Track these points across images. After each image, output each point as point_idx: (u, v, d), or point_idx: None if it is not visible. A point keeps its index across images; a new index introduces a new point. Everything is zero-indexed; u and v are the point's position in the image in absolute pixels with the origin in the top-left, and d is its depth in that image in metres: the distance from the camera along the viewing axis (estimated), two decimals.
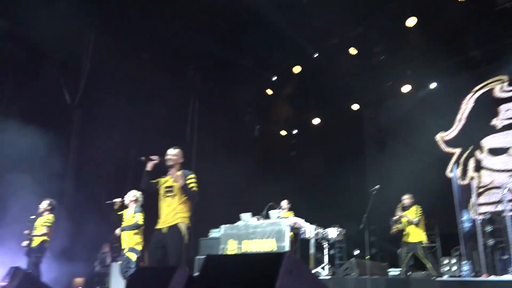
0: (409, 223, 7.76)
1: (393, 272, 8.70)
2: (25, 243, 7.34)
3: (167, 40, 10.66)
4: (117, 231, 6.78)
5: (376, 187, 7.28)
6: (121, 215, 6.98)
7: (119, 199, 7.08)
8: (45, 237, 7.34)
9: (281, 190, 11.01)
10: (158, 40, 10.64)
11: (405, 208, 7.96)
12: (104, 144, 10.19)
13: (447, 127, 10.94)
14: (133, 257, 6.49)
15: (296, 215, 8.78)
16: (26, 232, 7.34)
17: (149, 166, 5.05)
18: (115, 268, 9.15)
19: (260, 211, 8.58)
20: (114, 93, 10.39)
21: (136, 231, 6.70)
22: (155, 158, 5.07)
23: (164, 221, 4.83)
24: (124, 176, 11.16)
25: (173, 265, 4.25)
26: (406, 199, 8.00)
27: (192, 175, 5.00)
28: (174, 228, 4.74)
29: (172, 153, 5.04)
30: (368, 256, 7.18)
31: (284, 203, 9.20)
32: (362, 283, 6.87)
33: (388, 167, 11.78)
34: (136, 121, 11.07)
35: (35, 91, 9.44)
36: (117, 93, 10.54)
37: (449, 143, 10.82)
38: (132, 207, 6.90)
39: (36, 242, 7.28)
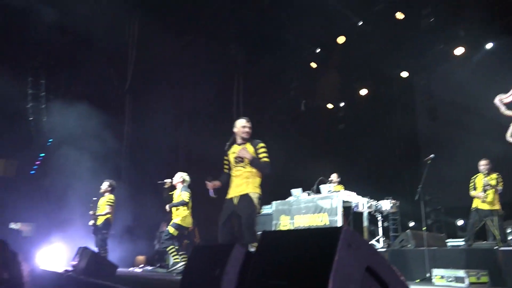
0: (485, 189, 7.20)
1: (452, 242, 8.45)
2: (90, 222, 7.87)
3: (209, 20, 10.69)
4: (167, 207, 7.19)
5: (430, 156, 6.99)
6: (172, 195, 7.36)
7: (169, 180, 7.40)
8: (108, 216, 7.83)
9: (330, 164, 10.88)
10: (200, 21, 10.68)
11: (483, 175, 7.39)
12: (155, 126, 10.53)
13: (505, 89, 10.26)
14: (172, 230, 6.99)
15: (347, 188, 8.69)
16: (91, 212, 7.84)
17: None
18: None
19: (311, 186, 8.57)
20: (161, 77, 10.66)
21: (180, 207, 7.11)
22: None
23: (235, 191, 4.66)
24: (175, 156, 11.52)
25: (245, 237, 4.23)
26: (485, 165, 7.43)
27: (262, 145, 4.74)
28: (245, 197, 4.53)
29: (243, 124, 4.82)
30: (425, 227, 6.98)
31: (334, 177, 9.12)
32: (420, 254, 6.72)
33: (442, 135, 11.28)
34: (183, 102, 11.30)
35: (88, 78, 9.84)
36: (164, 76, 10.79)
37: (509, 105, 10.14)
38: (179, 187, 7.30)
39: (100, 220, 7.80)
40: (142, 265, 9.11)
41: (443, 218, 10.55)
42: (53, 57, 10.12)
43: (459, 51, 10.62)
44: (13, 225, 8.99)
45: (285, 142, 11.19)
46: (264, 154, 4.70)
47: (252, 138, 4.82)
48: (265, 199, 9.58)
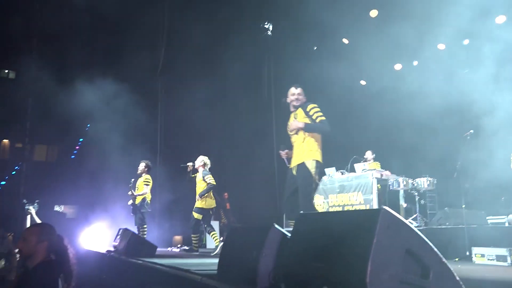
0: None
1: (493, 220, 8.18)
2: (129, 202, 8.13)
3: None
4: (198, 197, 7.32)
5: (469, 131, 6.73)
6: (194, 177, 7.55)
7: (190, 163, 7.57)
8: (146, 195, 8.04)
9: (364, 141, 10.68)
10: (231, 0, 10.58)
11: None
12: (188, 107, 10.65)
13: None
14: (196, 215, 7.26)
15: (383, 166, 8.53)
16: (129, 193, 8.10)
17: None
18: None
19: (344, 165, 8.46)
20: (192, 58, 10.69)
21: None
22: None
23: (294, 161, 4.46)
24: (209, 136, 11.65)
25: (301, 206, 4.06)
26: None
27: (312, 105, 4.50)
28: (301, 167, 4.32)
29: (292, 92, 4.70)
30: (464, 205, 6.78)
31: (369, 154, 8.97)
32: (459, 232, 6.56)
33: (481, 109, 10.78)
34: (215, 82, 11.32)
35: (123, 62, 10.02)
36: (196, 57, 10.82)
37: None
38: (201, 171, 7.45)
39: (138, 200, 8.05)
40: (179, 245, 9.35)
41: (483, 194, 10.21)
42: (88, 43, 10.37)
43: None
44: (57, 208, 9.39)
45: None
46: (318, 114, 4.43)
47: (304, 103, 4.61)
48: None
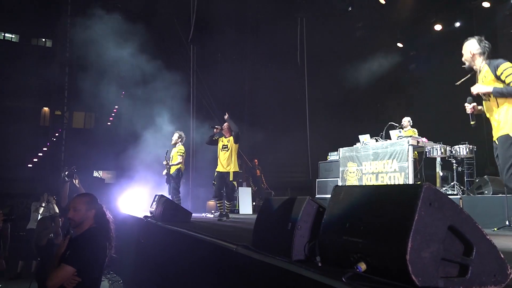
0: None
1: None
2: (164, 172, 8.31)
3: None
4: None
5: None
6: (216, 140, 7.67)
7: (219, 126, 7.70)
8: (180, 165, 8.21)
9: (401, 107, 10.38)
10: None
11: None
12: (220, 76, 10.61)
13: None
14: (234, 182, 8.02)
15: (420, 133, 8.28)
16: (164, 162, 8.26)
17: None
18: (243, 192, 9.91)
19: (379, 131, 8.27)
20: (223, 26, 10.55)
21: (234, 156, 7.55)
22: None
23: (494, 133, 3.82)
24: (241, 103, 11.63)
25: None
26: None
27: (506, 66, 3.56)
28: (503, 139, 3.65)
29: (471, 45, 3.85)
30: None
31: (405, 121, 8.72)
32: (498, 201, 6.35)
33: None
34: (247, 50, 11.18)
35: (155, 30, 10.02)
36: (226, 25, 10.67)
37: None
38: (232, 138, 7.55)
39: (173, 170, 8.19)
40: (213, 211, 9.56)
41: None
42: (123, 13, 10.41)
43: None
44: (95, 174, 9.73)
45: (351, 85, 10.77)
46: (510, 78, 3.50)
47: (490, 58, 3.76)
48: (332, 145, 9.54)
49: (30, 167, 19.39)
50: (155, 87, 10.02)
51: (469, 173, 9.44)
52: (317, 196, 9.24)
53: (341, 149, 8.62)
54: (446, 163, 7.97)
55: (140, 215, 6.63)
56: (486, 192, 7.25)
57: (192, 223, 5.55)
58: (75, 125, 22.05)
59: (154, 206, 6.19)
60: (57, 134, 16.60)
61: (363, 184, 7.72)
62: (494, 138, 3.80)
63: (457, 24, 11.77)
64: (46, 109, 25.44)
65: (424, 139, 7.76)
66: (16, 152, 19.23)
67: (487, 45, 3.78)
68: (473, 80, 3.92)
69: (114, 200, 8.92)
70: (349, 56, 12.36)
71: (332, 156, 9.51)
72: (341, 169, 8.50)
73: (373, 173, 7.84)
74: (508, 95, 3.57)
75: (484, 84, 3.73)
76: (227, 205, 7.70)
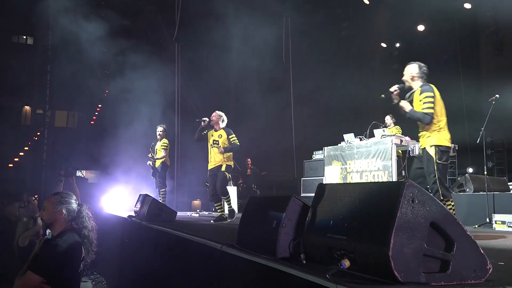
0: None
1: None
2: (148, 162, 8.26)
3: None
4: (220, 149, 6.61)
5: (495, 96, 6.49)
6: (204, 135, 6.80)
7: (206, 118, 6.81)
8: (164, 159, 8.16)
9: (383, 106, 10.49)
10: None
11: None
12: (206, 72, 10.58)
13: None
14: (228, 176, 6.85)
15: (404, 130, 8.38)
16: (149, 155, 8.23)
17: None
18: (229, 191, 9.87)
19: (363, 130, 8.35)
20: (207, 23, 10.51)
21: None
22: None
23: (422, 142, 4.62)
24: (227, 100, 11.60)
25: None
26: None
27: (427, 94, 4.32)
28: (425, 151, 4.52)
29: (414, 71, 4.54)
30: (486, 172, 6.66)
31: (388, 119, 8.81)
32: (479, 199, 6.49)
33: (507, 72, 10.40)
34: (233, 46, 11.16)
35: (141, 28, 9.95)
36: (210, 22, 10.64)
37: None
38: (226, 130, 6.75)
39: (158, 163, 8.17)
40: (198, 210, 9.53)
41: (506, 161, 10.03)
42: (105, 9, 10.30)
43: None
44: (78, 173, 9.60)
45: (337, 84, 10.84)
46: (426, 105, 4.32)
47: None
48: (316, 144, 9.58)
49: (10, 167, 19.03)
50: (139, 86, 9.93)
51: (451, 171, 9.63)
52: (302, 194, 9.29)
53: (326, 148, 8.67)
54: None
55: (124, 214, 6.56)
56: (467, 190, 7.38)
57: (177, 223, 5.52)
58: (58, 124, 21.73)
59: (138, 205, 6.13)
60: (38, 133, 16.30)
61: (348, 182, 7.78)
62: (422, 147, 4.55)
63: (440, 24, 11.96)
64: (27, 107, 25.02)
65: (407, 138, 7.85)
66: None
67: (425, 71, 4.48)
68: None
69: (98, 199, 8.81)
70: (334, 55, 12.46)
71: (317, 155, 9.56)
72: (325, 167, 8.56)
73: (357, 171, 7.91)
74: (414, 118, 4.39)
75: (415, 103, 4.44)
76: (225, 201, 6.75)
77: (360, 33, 13.17)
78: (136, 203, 6.46)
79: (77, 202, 3.16)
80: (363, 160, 7.85)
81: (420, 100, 4.31)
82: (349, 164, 8.10)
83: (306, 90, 11.43)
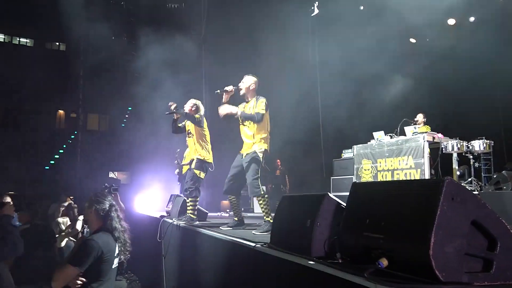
0: None
1: None
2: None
3: None
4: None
5: None
6: (181, 127, 6.19)
7: (174, 104, 6.07)
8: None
9: (414, 104, 10.26)
10: None
11: None
12: (231, 74, 10.64)
13: None
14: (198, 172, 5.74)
15: (434, 129, 8.19)
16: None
17: (225, 98, 4.83)
18: None
19: (393, 128, 8.21)
20: (232, 25, 10.57)
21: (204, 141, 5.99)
22: (230, 89, 4.86)
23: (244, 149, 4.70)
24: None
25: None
26: None
27: (263, 100, 4.63)
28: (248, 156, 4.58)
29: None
30: None
31: (420, 117, 8.63)
32: None
33: None
34: (254, 47, 11.18)
35: (168, 33, 10.12)
36: (235, 24, 10.70)
37: None
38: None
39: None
40: (228, 210, 9.59)
41: None
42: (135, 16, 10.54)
43: None
44: (111, 174, 9.85)
45: (362, 80, 10.68)
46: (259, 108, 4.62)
47: None
48: (346, 143, 9.48)
49: (47, 169, 19.71)
50: (168, 88, 10.10)
51: (487, 168, 9.30)
52: (332, 194, 9.20)
53: (355, 146, 8.58)
54: (462, 159, 7.87)
55: (156, 214, 6.69)
56: (504, 187, 7.14)
57: (209, 223, 5.58)
58: (90, 127, 22.36)
59: (170, 205, 6.22)
60: (72, 136, 16.83)
61: (383, 180, 7.66)
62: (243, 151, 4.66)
63: (471, 19, 11.60)
64: (61, 111, 25.85)
65: (440, 135, 7.67)
66: (35, 154, 19.57)
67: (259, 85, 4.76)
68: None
69: (130, 200, 9.01)
70: (359, 52, 12.26)
71: (346, 154, 9.46)
72: (355, 166, 8.46)
73: (388, 170, 7.78)
74: (246, 118, 4.57)
75: (247, 112, 4.60)
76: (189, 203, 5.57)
77: (389, 28, 12.92)
78: (168, 203, 6.56)
79: (110, 203, 3.25)
80: (394, 158, 7.72)
81: (256, 105, 4.56)
82: (380, 162, 7.98)
83: (334, 89, 11.31)
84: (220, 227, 4.42)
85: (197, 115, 5.72)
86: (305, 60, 11.86)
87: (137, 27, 10.31)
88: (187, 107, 5.84)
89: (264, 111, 4.55)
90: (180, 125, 6.05)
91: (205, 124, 5.94)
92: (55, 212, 8.05)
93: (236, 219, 4.68)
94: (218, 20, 10.60)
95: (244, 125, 4.76)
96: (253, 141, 4.60)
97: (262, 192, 4.38)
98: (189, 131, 5.93)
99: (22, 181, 15.89)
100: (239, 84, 4.80)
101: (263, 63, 11.06)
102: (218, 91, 4.91)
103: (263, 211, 4.44)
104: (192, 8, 10.72)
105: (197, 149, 5.76)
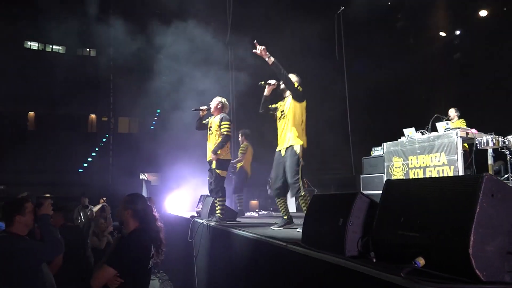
0: None
1: None
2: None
3: None
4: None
5: None
6: (205, 124, 6.15)
7: (205, 106, 6.10)
8: (242, 164, 8.29)
9: (446, 97, 9.99)
10: None
11: None
12: (258, 74, 10.64)
13: None
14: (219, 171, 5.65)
15: (469, 124, 7.94)
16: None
17: (268, 91, 4.89)
18: None
19: (425, 124, 8.00)
20: (257, 28, 10.59)
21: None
22: (273, 83, 4.90)
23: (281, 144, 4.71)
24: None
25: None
26: None
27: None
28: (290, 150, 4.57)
29: None
30: None
31: (452, 112, 8.40)
32: None
33: None
34: (285, 45, 11.14)
35: (193, 34, 10.22)
36: (260, 27, 10.71)
37: None
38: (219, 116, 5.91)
39: (238, 166, 8.29)
40: (257, 210, 9.60)
41: None
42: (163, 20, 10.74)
43: None
44: (142, 176, 10.04)
45: (395, 76, 10.48)
46: None
47: None
48: (375, 140, 9.32)
49: (81, 172, 20.30)
50: (196, 90, 10.20)
51: None
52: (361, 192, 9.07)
53: (385, 143, 8.42)
54: (498, 155, 7.60)
55: (187, 215, 6.77)
56: None
57: (239, 222, 5.60)
58: (121, 130, 22.89)
59: (200, 206, 6.28)
60: (104, 140, 17.27)
61: (417, 178, 7.48)
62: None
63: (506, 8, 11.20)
64: (93, 115, 26.58)
65: (474, 130, 7.43)
66: (68, 157, 20.20)
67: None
68: None
69: (161, 201, 9.15)
70: (389, 48, 12.06)
71: (376, 151, 9.29)
72: (386, 164, 8.30)
73: (420, 167, 7.60)
74: (287, 81, 4.62)
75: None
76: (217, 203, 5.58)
77: (416, 23, 12.64)
78: (198, 203, 6.63)
79: (146, 204, 3.30)
80: (426, 155, 7.53)
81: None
82: (411, 159, 7.81)
83: (361, 85, 11.16)
84: (271, 227, 4.34)
85: None
86: (333, 55, 11.75)
87: (164, 30, 10.46)
88: (213, 105, 5.89)
89: (302, 94, 4.63)
90: (204, 122, 6.05)
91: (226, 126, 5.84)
92: (89, 213, 8.29)
93: (285, 217, 4.53)
94: (244, 30, 10.66)
95: (281, 119, 4.73)
96: (291, 136, 4.53)
97: (303, 193, 4.31)
98: (210, 127, 5.88)
99: (56, 184, 16.41)
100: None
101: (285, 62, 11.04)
102: (262, 82, 4.99)
103: (283, 211, 4.55)
104: (218, 17, 10.86)
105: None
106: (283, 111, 4.81)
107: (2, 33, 22.65)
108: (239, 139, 8.56)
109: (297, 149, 4.46)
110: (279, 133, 4.74)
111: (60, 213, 4.76)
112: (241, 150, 8.32)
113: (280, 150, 4.65)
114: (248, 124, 10.90)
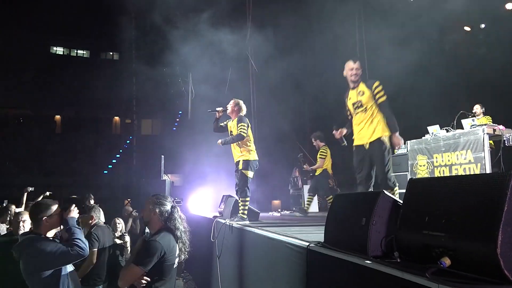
0: None
1: None
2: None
3: None
4: (219, 142, 5.90)
5: None
6: (223, 126, 6.09)
7: (221, 108, 6.03)
8: (320, 169, 8.37)
9: (470, 94, 9.73)
10: None
11: None
12: (279, 75, 10.63)
13: None
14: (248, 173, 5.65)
15: (495, 120, 7.73)
16: (304, 167, 8.73)
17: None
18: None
19: (449, 121, 7.82)
20: (276, 28, 10.59)
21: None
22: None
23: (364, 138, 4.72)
24: (301, 101, 11.54)
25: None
26: None
27: (377, 83, 4.72)
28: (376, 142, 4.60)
29: (355, 66, 4.74)
30: None
31: (477, 108, 8.19)
32: None
33: None
34: (304, 47, 11.10)
35: (213, 34, 10.32)
36: (280, 27, 10.70)
37: None
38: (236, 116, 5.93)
39: (318, 172, 8.36)
40: (279, 209, 9.59)
41: None
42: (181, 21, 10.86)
43: None
44: (165, 177, 10.15)
45: (415, 73, 10.28)
46: (380, 94, 4.55)
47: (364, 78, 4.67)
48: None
49: (106, 173, 20.73)
50: (215, 90, 10.26)
51: None
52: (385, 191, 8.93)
53: (409, 141, 8.27)
54: None
55: (209, 215, 6.81)
56: None
57: (261, 222, 5.60)
58: (144, 131, 23.25)
59: (222, 206, 6.32)
60: (128, 141, 17.59)
61: (442, 176, 7.33)
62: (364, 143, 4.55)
63: None
64: (117, 118, 27.10)
65: (501, 127, 7.22)
66: (93, 159, 20.65)
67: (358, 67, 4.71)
68: None
69: (184, 201, 9.25)
70: (412, 43, 11.82)
71: (400, 150, 9.14)
72: (409, 162, 8.15)
73: (445, 165, 7.43)
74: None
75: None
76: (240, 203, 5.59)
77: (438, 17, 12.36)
78: (220, 203, 6.67)
79: (172, 205, 3.34)
80: (451, 153, 7.36)
81: (373, 91, 4.59)
82: (436, 157, 7.65)
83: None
84: None
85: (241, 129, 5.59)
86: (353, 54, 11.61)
87: (185, 33, 10.58)
88: (230, 107, 5.91)
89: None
90: (222, 124, 6.06)
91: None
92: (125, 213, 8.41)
93: None
94: (262, 30, 10.67)
95: (358, 113, 4.68)
96: (376, 127, 4.56)
97: (393, 185, 4.46)
98: (231, 132, 5.89)
99: (82, 185, 16.80)
100: None
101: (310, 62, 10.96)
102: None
103: None
104: (238, 20, 10.90)
105: (240, 150, 5.69)
106: (361, 104, 4.63)
107: (30, 40, 23.36)
108: (314, 143, 8.51)
109: (386, 140, 4.56)
110: (356, 128, 4.67)
111: (87, 216, 4.87)
112: (320, 155, 8.27)
113: (363, 144, 4.60)
114: (268, 123, 10.91)
